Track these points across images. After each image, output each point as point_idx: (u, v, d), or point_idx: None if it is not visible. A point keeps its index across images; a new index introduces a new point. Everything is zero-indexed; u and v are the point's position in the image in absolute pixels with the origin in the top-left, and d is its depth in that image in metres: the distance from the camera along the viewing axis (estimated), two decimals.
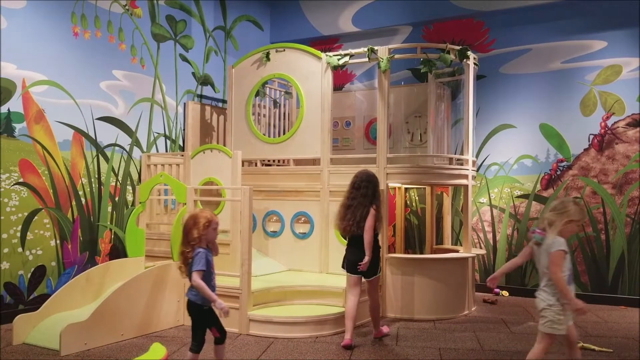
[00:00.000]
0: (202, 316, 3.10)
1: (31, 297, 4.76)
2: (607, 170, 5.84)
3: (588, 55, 5.98)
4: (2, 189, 4.58)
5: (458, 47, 5.30)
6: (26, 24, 4.77)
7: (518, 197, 6.30)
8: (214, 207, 5.25)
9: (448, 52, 5.20)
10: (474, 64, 5.53)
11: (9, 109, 4.64)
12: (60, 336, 3.69)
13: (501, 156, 6.41)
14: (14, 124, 4.68)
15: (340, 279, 4.74)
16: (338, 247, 5.21)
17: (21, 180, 4.72)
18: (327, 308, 4.55)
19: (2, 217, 4.57)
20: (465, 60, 5.36)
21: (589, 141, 5.95)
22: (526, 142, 6.27)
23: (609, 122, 5.86)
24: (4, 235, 4.58)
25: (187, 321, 4.57)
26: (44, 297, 4.54)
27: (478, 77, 6.15)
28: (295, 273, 5.39)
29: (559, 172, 6.09)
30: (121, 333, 4.10)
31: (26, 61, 4.77)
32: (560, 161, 6.09)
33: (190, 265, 3.07)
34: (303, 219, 5.51)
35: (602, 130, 5.89)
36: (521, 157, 6.29)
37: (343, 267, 4.31)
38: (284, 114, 6.70)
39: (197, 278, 3.01)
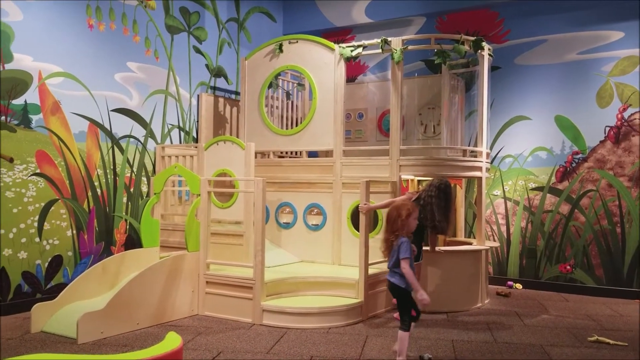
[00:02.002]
0: (406, 298, 3.38)
1: (48, 286, 4.83)
2: (623, 162, 5.77)
3: (605, 46, 5.89)
4: (19, 180, 4.65)
5: (472, 38, 5.25)
6: (42, 16, 4.82)
7: (532, 189, 6.25)
8: (227, 198, 5.28)
9: (462, 43, 5.16)
10: (489, 55, 5.48)
11: (25, 101, 4.70)
12: (77, 325, 3.75)
13: (516, 148, 6.36)
14: (30, 116, 4.74)
15: (353, 271, 4.76)
16: (350, 239, 5.22)
17: (38, 171, 4.78)
18: (340, 299, 4.57)
19: (19, 207, 4.64)
20: (479, 51, 5.31)
21: (604, 133, 5.88)
22: (541, 134, 6.21)
23: (626, 114, 5.78)
24: (22, 225, 4.65)
25: (202, 310, 4.64)
26: (60, 286, 4.62)
27: (493, 68, 6.09)
28: (308, 264, 5.41)
29: (574, 165, 6.03)
30: (137, 322, 4.15)
31: (42, 53, 4.81)
32: (576, 153, 6.02)
33: (395, 253, 3.36)
34: (316, 210, 5.52)
35: (619, 122, 5.81)
36: (536, 149, 6.24)
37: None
38: (297, 105, 6.70)
39: (406, 266, 3.31)
